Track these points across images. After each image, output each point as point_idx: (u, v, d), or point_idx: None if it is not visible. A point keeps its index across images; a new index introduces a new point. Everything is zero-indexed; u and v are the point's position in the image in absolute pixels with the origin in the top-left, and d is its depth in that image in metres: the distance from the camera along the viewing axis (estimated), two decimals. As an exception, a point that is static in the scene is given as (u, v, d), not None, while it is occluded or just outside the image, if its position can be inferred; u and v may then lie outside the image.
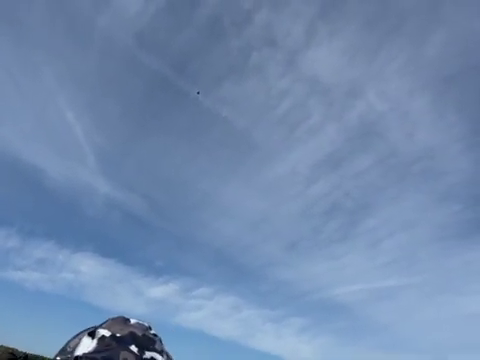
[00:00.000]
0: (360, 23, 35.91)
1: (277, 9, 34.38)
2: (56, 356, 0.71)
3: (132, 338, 0.71)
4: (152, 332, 0.77)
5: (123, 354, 0.67)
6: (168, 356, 0.76)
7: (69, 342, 0.73)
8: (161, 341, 0.77)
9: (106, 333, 0.71)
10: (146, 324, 0.78)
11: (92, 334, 0.71)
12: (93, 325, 0.75)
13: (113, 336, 0.70)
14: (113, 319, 0.76)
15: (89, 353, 0.67)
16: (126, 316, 0.78)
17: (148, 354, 0.70)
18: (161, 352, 0.74)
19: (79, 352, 0.68)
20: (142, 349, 0.70)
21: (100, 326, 0.74)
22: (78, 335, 0.74)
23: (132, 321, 0.76)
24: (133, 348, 0.69)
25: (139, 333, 0.73)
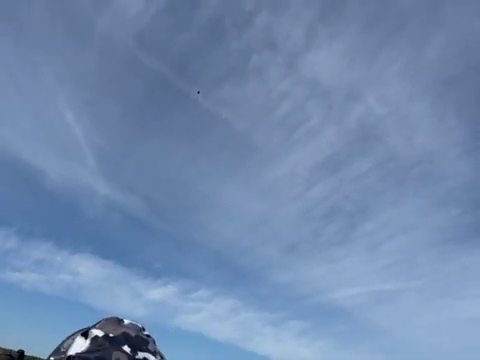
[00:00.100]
0: (360, 26, 36.03)
1: (277, 12, 34.48)
2: (50, 356, 0.72)
3: (125, 338, 0.71)
4: (145, 333, 0.77)
5: (116, 354, 0.67)
6: (162, 357, 0.76)
7: (63, 342, 0.73)
8: (154, 342, 0.77)
9: (99, 333, 0.71)
10: (139, 325, 0.78)
11: (85, 334, 0.71)
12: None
13: (106, 336, 0.70)
14: (106, 319, 0.76)
15: (82, 353, 0.67)
16: (121, 317, 0.78)
17: (141, 355, 0.70)
18: (154, 353, 0.74)
19: (72, 352, 0.68)
20: (135, 349, 0.70)
21: (93, 326, 0.74)
22: (72, 336, 0.74)
23: (125, 322, 0.77)
24: (126, 348, 0.69)
25: (132, 334, 0.73)
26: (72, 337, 0.73)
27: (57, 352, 0.72)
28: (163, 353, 0.78)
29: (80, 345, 0.69)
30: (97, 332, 0.71)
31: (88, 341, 0.70)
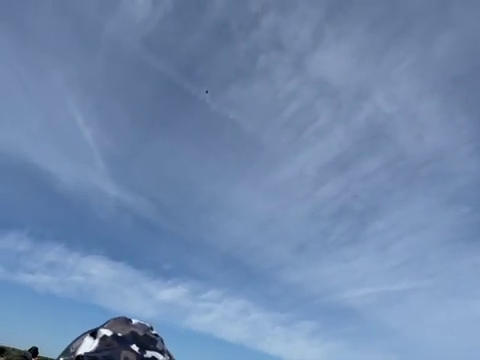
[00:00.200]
0: (367, 25, 35.81)
1: (284, 12, 34.44)
2: (59, 357, 0.72)
3: (133, 338, 0.71)
4: (153, 332, 0.77)
5: (124, 353, 0.67)
6: (170, 356, 0.76)
7: (72, 343, 0.74)
8: (163, 341, 0.77)
9: (108, 333, 0.71)
10: (147, 324, 0.78)
11: (94, 334, 0.72)
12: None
13: (114, 336, 0.71)
14: (115, 319, 0.76)
15: (90, 352, 0.68)
16: (129, 317, 0.79)
17: (149, 353, 0.70)
18: (162, 352, 0.74)
19: (81, 351, 0.69)
20: (143, 348, 0.70)
21: (102, 326, 0.74)
22: (81, 336, 0.74)
23: (134, 321, 0.77)
24: (134, 347, 0.69)
25: (140, 333, 0.73)
26: (81, 337, 0.73)
27: (66, 353, 0.72)
28: (171, 352, 0.78)
29: (89, 345, 0.70)
30: (105, 332, 0.71)
31: (97, 341, 0.70)
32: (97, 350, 0.68)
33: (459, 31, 33.04)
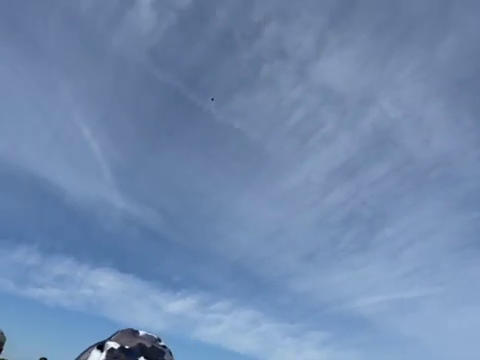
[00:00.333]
0: (370, 31, 35.88)
1: (287, 21, 34.72)
2: None
3: (141, 350, 0.70)
4: (161, 344, 0.76)
5: None
6: None
7: (79, 356, 0.73)
8: (171, 353, 0.76)
9: (115, 345, 0.70)
10: (155, 336, 0.77)
11: (101, 347, 0.71)
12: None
13: (122, 348, 0.70)
14: (122, 331, 0.75)
15: None
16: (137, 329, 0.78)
17: None
18: None
19: None
20: None
21: (109, 339, 0.73)
22: (88, 349, 0.74)
23: (141, 333, 0.76)
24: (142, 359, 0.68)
25: (148, 345, 0.72)
26: (88, 350, 0.73)
27: None
28: None
29: (96, 358, 0.69)
30: (113, 344, 0.71)
31: (104, 354, 0.69)
32: None
33: (462, 34, 33.01)
